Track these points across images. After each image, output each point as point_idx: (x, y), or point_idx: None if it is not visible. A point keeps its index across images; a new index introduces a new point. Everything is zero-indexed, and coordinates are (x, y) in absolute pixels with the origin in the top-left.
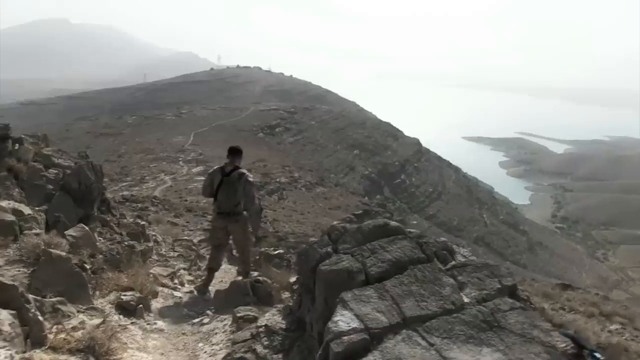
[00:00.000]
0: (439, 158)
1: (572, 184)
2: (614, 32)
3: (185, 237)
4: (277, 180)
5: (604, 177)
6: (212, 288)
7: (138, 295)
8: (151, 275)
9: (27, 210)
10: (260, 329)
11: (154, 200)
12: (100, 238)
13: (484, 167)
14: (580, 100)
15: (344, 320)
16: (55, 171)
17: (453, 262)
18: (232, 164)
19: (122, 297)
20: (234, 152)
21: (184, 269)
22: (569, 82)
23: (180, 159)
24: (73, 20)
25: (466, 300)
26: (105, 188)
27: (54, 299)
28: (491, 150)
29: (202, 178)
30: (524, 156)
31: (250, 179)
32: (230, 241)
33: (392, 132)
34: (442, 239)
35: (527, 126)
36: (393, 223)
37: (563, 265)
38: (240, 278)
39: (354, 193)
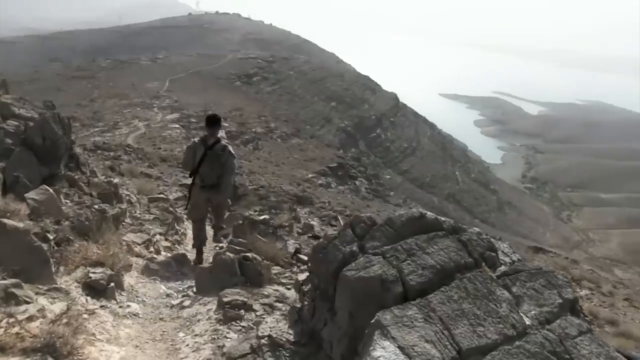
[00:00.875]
0: (415, 114)
1: (544, 146)
2: None
3: (162, 195)
4: (253, 130)
5: (576, 141)
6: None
7: (109, 272)
8: (124, 244)
9: None
10: (263, 341)
11: (127, 148)
12: (66, 201)
13: (459, 125)
14: (563, 63)
15: (386, 356)
16: (16, 123)
17: (503, 268)
18: (213, 136)
19: (91, 274)
20: (214, 123)
21: (161, 234)
22: (559, 44)
23: (154, 105)
24: None
25: (527, 321)
26: (73, 142)
27: (6, 282)
28: (467, 109)
29: (177, 126)
30: (499, 116)
31: (233, 152)
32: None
33: (370, 86)
34: (485, 235)
35: (504, 86)
36: (430, 215)
37: (529, 224)
38: (199, 263)
39: (330, 145)
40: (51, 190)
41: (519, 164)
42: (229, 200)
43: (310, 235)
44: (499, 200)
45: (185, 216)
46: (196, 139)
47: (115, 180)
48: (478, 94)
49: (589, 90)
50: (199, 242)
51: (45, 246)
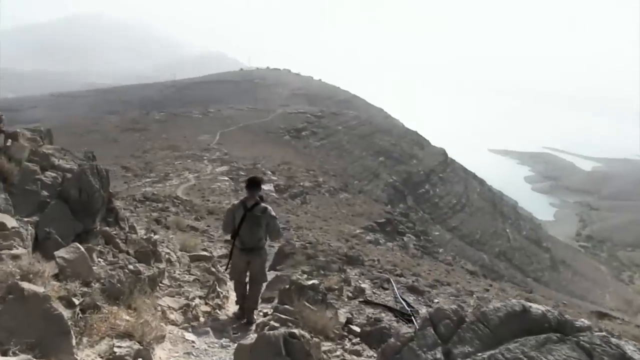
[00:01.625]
0: (465, 169)
1: (598, 203)
2: None
3: (205, 253)
4: (301, 184)
5: (632, 198)
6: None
7: (136, 346)
8: (159, 310)
9: (11, 222)
10: None
11: (175, 200)
12: (100, 260)
13: (509, 181)
14: (617, 115)
15: None
16: (54, 174)
17: None
18: (253, 198)
19: (116, 348)
20: (254, 185)
21: (201, 297)
22: (611, 92)
23: (205, 157)
24: (108, 14)
25: None
26: (113, 195)
27: (18, 358)
28: (517, 164)
29: (226, 178)
30: (550, 172)
31: (274, 214)
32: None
33: (418, 141)
34: (611, 338)
35: (555, 141)
36: (535, 309)
37: (586, 285)
38: (241, 317)
39: (377, 201)
40: (82, 249)
41: (572, 221)
42: (266, 271)
43: (361, 300)
44: (552, 259)
45: (227, 276)
46: (235, 202)
47: (155, 237)
48: (528, 149)
49: None
50: (242, 300)
51: (68, 313)
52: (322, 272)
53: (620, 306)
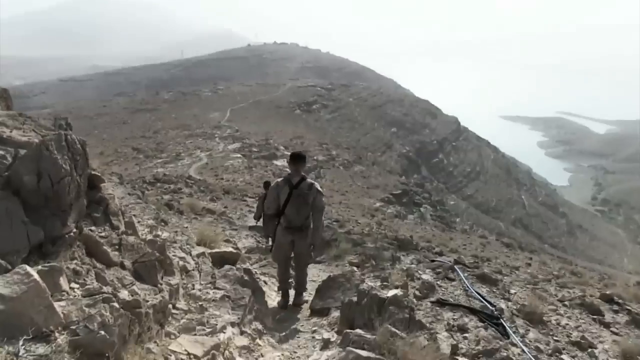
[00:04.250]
0: (478, 137)
1: (613, 166)
2: None
3: (230, 249)
4: (315, 158)
5: None
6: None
7: None
8: None
9: None
10: None
11: (188, 180)
12: (73, 286)
13: (523, 147)
14: (627, 78)
15: None
16: (1, 152)
17: None
18: (298, 174)
19: None
20: (299, 160)
21: (233, 323)
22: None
23: (216, 135)
24: None
25: None
26: (100, 179)
27: None
28: (529, 130)
29: (238, 155)
30: (563, 136)
31: (321, 189)
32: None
33: (430, 110)
34: None
35: (568, 105)
36: None
37: (604, 249)
38: (284, 307)
39: (392, 172)
40: (35, 275)
41: (587, 185)
42: (312, 249)
43: (433, 300)
44: (569, 224)
45: (266, 283)
46: (279, 179)
47: (164, 236)
48: (540, 114)
49: None
50: (285, 284)
51: None
52: (374, 262)
53: (638, 269)
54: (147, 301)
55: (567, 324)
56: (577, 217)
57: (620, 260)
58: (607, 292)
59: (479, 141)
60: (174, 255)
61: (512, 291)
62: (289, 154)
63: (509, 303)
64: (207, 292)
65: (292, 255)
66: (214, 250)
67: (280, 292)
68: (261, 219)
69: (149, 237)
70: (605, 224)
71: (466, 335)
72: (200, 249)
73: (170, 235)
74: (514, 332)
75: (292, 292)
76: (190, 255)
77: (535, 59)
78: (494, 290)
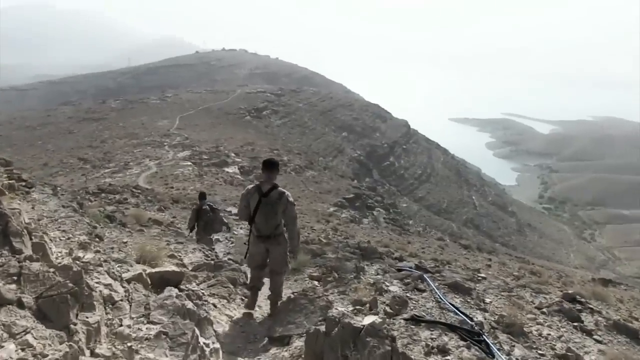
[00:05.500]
0: (427, 140)
1: (558, 165)
2: None
3: (173, 267)
4: None
5: (590, 157)
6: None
7: None
8: None
9: None
10: None
11: (134, 190)
12: None
13: (471, 149)
14: (570, 81)
15: None
16: None
17: None
18: (269, 182)
19: None
20: (270, 167)
21: None
22: (559, 65)
23: (165, 143)
24: (58, 5)
25: None
26: (1, 192)
27: None
28: (477, 132)
29: (188, 163)
30: (510, 137)
31: (291, 199)
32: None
33: (380, 114)
34: None
35: (513, 107)
36: None
37: (552, 246)
38: (251, 307)
39: (344, 176)
40: None
41: (534, 184)
42: (289, 258)
43: (407, 318)
44: (519, 223)
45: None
46: (250, 186)
47: (87, 257)
48: (487, 116)
49: (599, 106)
50: (256, 282)
51: None
52: (336, 274)
53: (583, 264)
54: (46, 356)
55: (549, 334)
56: (526, 216)
57: (567, 256)
58: (569, 292)
59: (429, 143)
60: (97, 283)
61: (487, 300)
62: (262, 160)
63: (486, 314)
64: (138, 329)
65: (268, 262)
66: (154, 270)
67: (250, 291)
68: (194, 231)
69: (65, 261)
70: (552, 221)
71: (448, 358)
72: (139, 268)
73: (96, 256)
74: (498, 350)
75: (263, 300)
76: (120, 280)
77: (485, 65)
78: (468, 300)
